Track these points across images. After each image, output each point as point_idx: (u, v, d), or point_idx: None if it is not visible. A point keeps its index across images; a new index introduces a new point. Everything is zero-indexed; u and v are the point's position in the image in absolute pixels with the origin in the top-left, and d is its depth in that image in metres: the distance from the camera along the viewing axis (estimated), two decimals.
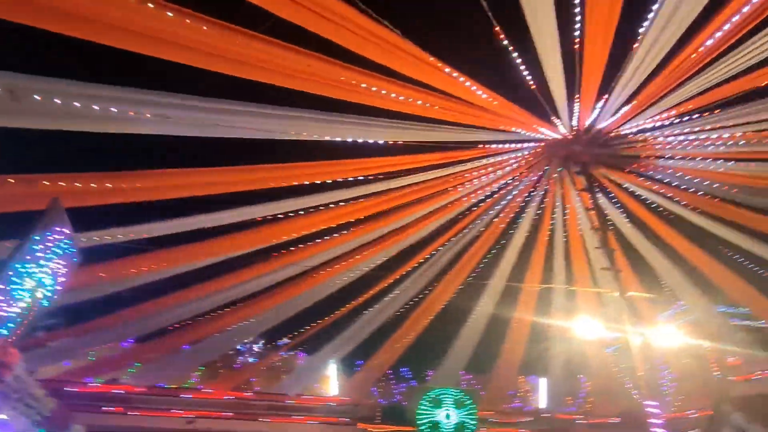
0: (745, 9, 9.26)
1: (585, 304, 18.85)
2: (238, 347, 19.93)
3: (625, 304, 14.82)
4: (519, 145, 13.40)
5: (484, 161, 13.45)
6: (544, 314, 20.08)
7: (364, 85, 9.95)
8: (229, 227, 13.22)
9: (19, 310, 9.83)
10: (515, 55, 10.36)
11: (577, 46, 10.48)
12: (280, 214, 13.08)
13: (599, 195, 14.23)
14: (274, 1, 8.26)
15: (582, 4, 9.58)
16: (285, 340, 19.83)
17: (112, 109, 9.18)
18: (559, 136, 13.43)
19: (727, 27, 9.77)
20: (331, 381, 21.45)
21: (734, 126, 12.80)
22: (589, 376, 24.26)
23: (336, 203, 13.44)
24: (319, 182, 12.49)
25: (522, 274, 17.90)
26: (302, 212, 13.27)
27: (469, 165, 13.41)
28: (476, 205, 15.29)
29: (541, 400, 24.42)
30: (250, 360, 20.34)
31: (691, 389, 22.21)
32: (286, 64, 9.32)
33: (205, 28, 8.30)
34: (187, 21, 8.12)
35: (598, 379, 23.66)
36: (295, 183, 12.56)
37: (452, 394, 18.49)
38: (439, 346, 21.31)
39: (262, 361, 20.17)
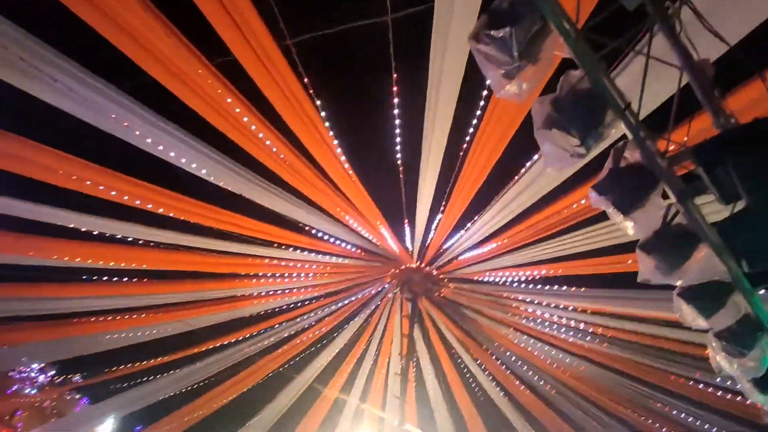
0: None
1: (367, 426, 17.92)
2: (20, 371, 16.08)
3: None
4: (371, 256, 12.94)
5: (336, 260, 12.91)
6: (330, 425, 18.76)
7: (268, 142, 9.32)
8: (66, 231, 10.23)
9: None
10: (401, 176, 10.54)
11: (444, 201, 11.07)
12: (126, 236, 10.62)
13: (417, 325, 14.12)
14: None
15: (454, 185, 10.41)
16: (77, 377, 16.36)
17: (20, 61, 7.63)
18: (406, 263, 13.33)
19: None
20: None
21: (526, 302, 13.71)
22: None
23: (185, 247, 11.22)
24: (182, 219, 10.87)
25: (326, 379, 16.75)
26: (149, 243, 10.96)
27: (323, 258, 12.76)
28: (315, 298, 14.24)
29: None
30: (27, 390, 16.35)
31: None
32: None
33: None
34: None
35: None
36: (156, 210, 10.23)
37: None
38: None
39: (40, 394, 16.29)
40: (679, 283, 5.23)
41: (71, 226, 10.31)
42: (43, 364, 16.27)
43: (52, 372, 16.54)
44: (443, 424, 17.88)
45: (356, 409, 18.03)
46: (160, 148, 8.97)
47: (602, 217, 8.72)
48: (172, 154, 9.17)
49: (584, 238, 10.54)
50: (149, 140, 8.84)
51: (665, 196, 4.97)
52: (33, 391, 16.18)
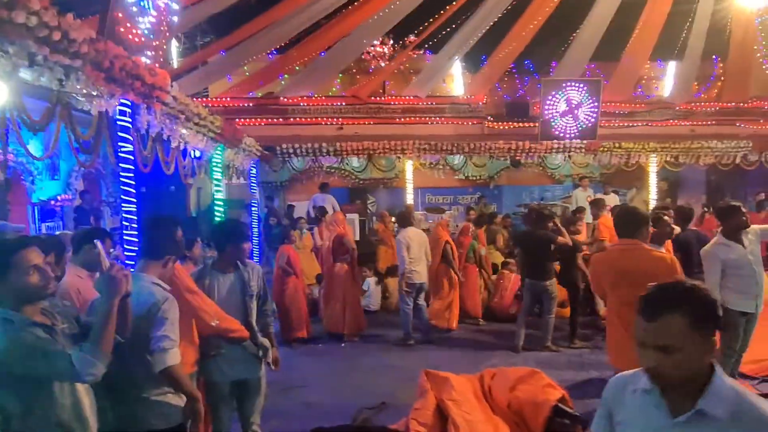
0: None
1: None
2: (368, 51, 17.33)
3: None
4: None
5: None
6: None
7: None
8: None
9: (149, 26, 7.90)
10: None
11: None
12: None
13: None
14: None
15: None
16: (411, 38, 16.78)
17: None
18: None
19: None
20: (456, 79, 18.58)
21: None
22: (724, 55, 18.78)
23: None
24: None
25: None
26: None
27: None
28: None
29: (666, 88, 19.59)
30: (382, 64, 17.73)
31: None
32: None
33: None
34: None
35: (734, 58, 18.30)
36: None
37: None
38: (565, 34, 17.13)
39: (393, 63, 17.50)
40: None
41: None
42: (379, 39, 16.99)
43: (391, 42, 17.24)
44: None
45: None
46: None
47: None
48: None
49: None
50: None
51: None
52: (386, 64, 17.35)
